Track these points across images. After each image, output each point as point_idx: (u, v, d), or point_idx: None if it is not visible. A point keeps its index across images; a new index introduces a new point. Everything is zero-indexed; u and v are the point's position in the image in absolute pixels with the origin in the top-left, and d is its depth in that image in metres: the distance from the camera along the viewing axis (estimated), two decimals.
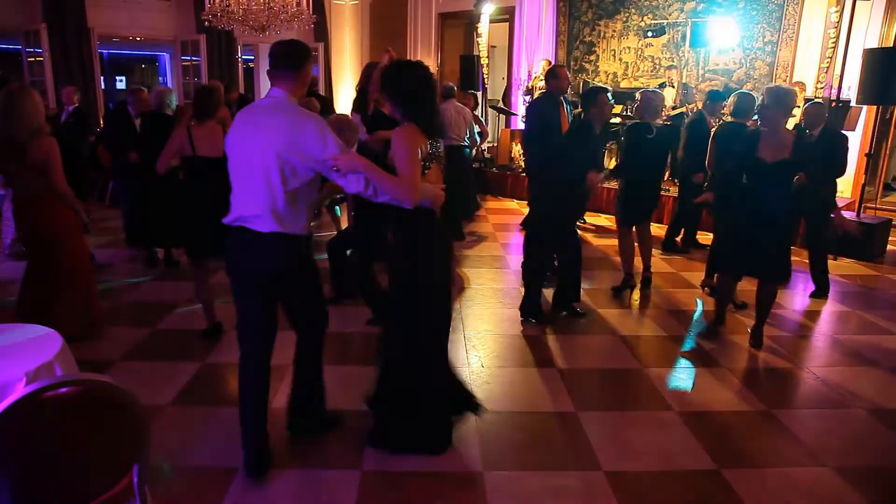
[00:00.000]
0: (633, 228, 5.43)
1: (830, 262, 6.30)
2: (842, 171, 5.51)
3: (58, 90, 9.83)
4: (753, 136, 4.18)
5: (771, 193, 4.04)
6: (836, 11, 7.91)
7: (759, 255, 4.14)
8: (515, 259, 6.70)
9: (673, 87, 9.41)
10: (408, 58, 13.17)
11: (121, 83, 19.00)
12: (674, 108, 9.16)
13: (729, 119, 5.44)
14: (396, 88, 2.80)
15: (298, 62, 2.67)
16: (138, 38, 13.66)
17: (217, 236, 4.09)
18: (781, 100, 4.06)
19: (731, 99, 5.31)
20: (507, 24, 12.17)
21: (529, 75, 11.51)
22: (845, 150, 5.45)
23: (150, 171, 4.81)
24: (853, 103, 7.46)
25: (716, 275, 5.04)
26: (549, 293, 4.95)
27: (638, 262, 5.57)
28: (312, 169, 2.61)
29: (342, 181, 2.62)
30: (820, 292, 5.49)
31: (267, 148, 2.55)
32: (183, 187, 4.33)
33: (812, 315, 5.19)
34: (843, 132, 5.79)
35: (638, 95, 5.37)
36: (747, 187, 4.14)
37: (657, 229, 7.11)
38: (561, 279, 4.93)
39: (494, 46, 12.87)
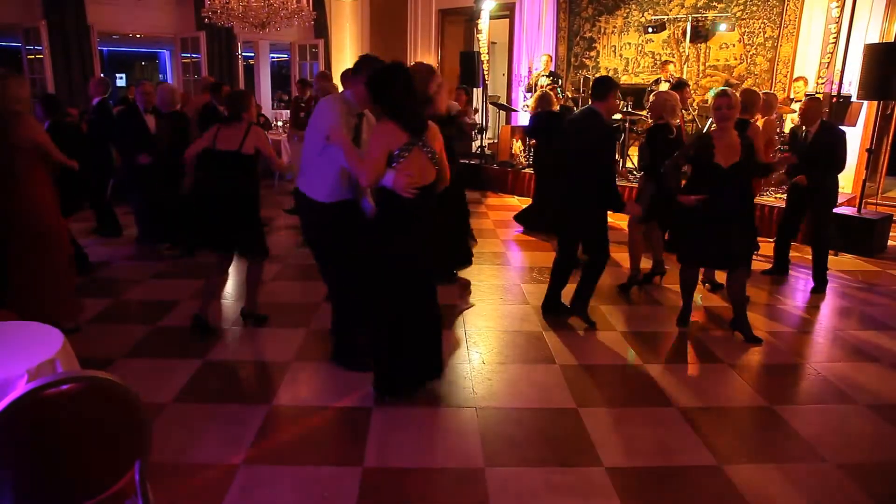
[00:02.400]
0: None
1: (832, 258, 6.30)
2: (841, 167, 5.51)
3: (58, 88, 9.83)
4: (706, 140, 4.26)
5: (728, 194, 4.17)
6: (837, 7, 7.90)
7: (722, 247, 4.25)
8: (516, 255, 6.70)
9: (669, 82, 9.40)
10: (407, 55, 13.21)
11: (121, 80, 18.99)
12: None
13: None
14: (380, 93, 3.20)
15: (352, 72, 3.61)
16: (138, 36, 13.66)
17: (222, 229, 4.21)
18: (738, 105, 4.21)
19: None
20: (508, 20, 12.16)
21: (530, 72, 11.51)
22: (843, 144, 5.44)
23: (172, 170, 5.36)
24: (854, 98, 7.45)
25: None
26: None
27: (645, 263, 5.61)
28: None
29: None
30: (818, 288, 5.50)
31: None
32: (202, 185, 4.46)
33: (813, 310, 5.20)
34: (841, 127, 5.78)
35: (652, 97, 5.36)
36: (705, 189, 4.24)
37: None
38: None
39: (495, 43, 12.85)
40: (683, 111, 7.46)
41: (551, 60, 10.51)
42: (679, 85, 7.27)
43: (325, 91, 6.54)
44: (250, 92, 4.50)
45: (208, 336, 4.31)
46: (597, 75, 10.80)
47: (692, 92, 9.57)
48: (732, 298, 4.50)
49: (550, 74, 10.30)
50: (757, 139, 4.80)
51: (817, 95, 7.93)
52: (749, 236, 4.32)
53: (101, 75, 7.63)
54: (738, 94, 4.29)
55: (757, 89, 5.50)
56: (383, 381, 3.47)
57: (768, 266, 5.95)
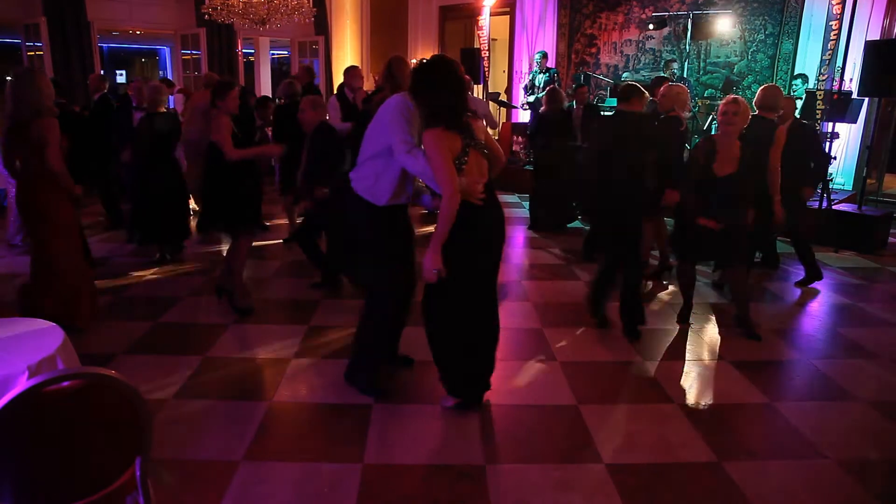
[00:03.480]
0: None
1: (832, 255, 6.31)
2: (805, 161, 5.57)
3: (58, 84, 9.81)
4: (711, 147, 4.24)
5: (718, 203, 4.18)
6: (838, 3, 7.87)
7: (716, 242, 4.26)
8: (515, 252, 6.71)
9: (673, 77, 9.40)
10: (408, 52, 13.19)
11: (121, 77, 18.98)
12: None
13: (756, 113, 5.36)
14: (418, 93, 2.96)
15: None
16: (138, 32, 13.64)
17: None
18: (747, 111, 4.21)
19: (760, 92, 5.25)
20: (508, 16, 12.14)
21: (530, 68, 11.50)
22: (812, 138, 5.51)
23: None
24: (854, 95, 7.44)
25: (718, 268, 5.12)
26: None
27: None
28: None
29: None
30: (807, 280, 5.52)
31: None
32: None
33: (813, 307, 5.20)
34: (841, 124, 5.84)
35: (662, 89, 5.42)
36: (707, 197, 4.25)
37: None
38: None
39: (495, 39, 12.84)
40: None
41: (546, 59, 10.44)
42: (656, 82, 7.28)
43: (292, 93, 6.61)
44: (233, 83, 4.58)
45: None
46: (597, 72, 10.84)
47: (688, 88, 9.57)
48: (733, 295, 4.50)
49: (547, 71, 10.25)
50: (776, 146, 4.76)
51: (818, 92, 7.92)
52: (740, 238, 4.32)
53: (102, 72, 7.63)
54: (745, 103, 4.25)
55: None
56: (457, 384, 3.34)
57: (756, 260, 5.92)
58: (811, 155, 5.50)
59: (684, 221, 4.41)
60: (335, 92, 6.37)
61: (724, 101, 4.25)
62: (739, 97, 4.29)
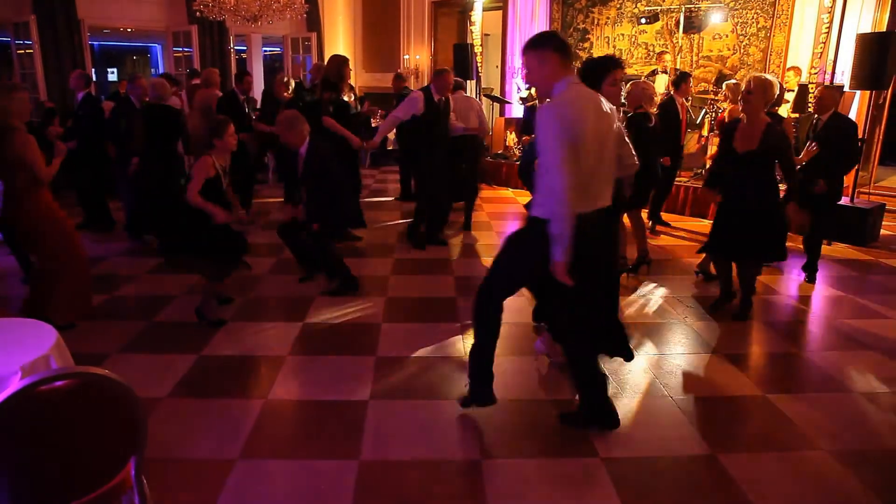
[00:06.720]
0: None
1: (825, 248, 6.32)
2: (855, 161, 5.52)
3: (48, 83, 9.75)
4: (732, 126, 4.41)
5: (748, 182, 4.28)
6: None
7: (749, 241, 4.36)
8: None
9: (666, 73, 9.41)
10: (400, 48, 13.17)
11: (112, 75, 18.89)
12: (668, 94, 9.16)
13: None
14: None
15: None
16: (129, 30, 13.56)
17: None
18: (765, 89, 4.24)
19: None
20: (501, 12, 12.12)
21: (523, 64, 11.49)
22: (853, 138, 5.45)
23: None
24: (846, 88, 7.46)
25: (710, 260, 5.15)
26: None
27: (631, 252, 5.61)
28: None
29: None
30: (811, 278, 5.53)
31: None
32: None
33: (806, 300, 5.22)
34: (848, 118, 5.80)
35: (629, 86, 5.42)
36: (729, 176, 4.42)
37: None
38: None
39: (488, 35, 12.81)
40: (685, 100, 7.51)
41: None
42: (682, 77, 7.32)
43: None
44: (228, 119, 4.32)
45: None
46: None
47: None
48: (744, 284, 4.59)
49: None
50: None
51: (810, 85, 7.94)
52: (773, 238, 4.38)
53: (81, 70, 7.48)
54: (760, 81, 4.30)
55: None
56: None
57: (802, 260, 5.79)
58: (846, 149, 5.41)
59: (720, 221, 4.54)
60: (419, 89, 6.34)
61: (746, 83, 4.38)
62: (761, 76, 4.36)
